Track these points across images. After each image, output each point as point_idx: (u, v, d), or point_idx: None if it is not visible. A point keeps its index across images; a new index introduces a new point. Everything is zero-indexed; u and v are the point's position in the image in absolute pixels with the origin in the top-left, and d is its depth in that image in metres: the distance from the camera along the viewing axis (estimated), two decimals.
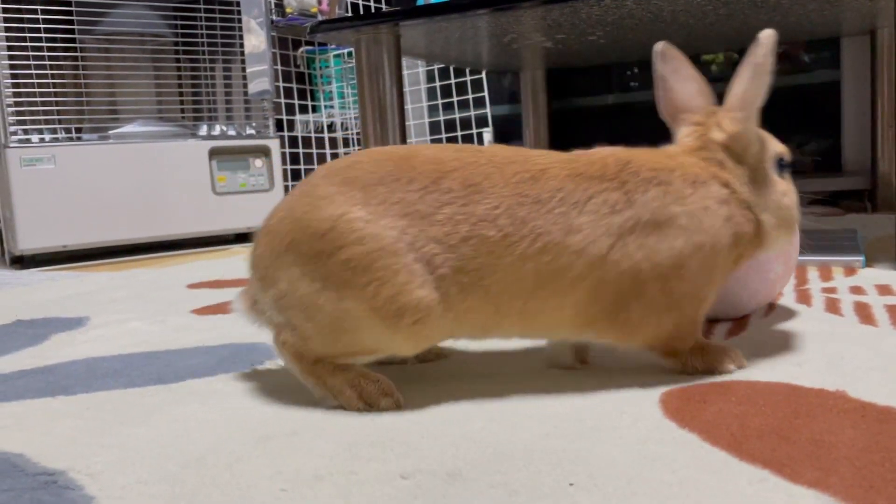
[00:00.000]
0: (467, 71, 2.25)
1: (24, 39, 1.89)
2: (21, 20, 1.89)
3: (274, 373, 0.73)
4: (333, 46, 2.55)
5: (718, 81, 2.16)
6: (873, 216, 1.67)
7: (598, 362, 0.69)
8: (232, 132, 2.21)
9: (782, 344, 0.71)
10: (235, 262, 1.65)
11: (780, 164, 0.70)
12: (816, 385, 0.58)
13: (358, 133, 2.54)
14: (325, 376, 0.62)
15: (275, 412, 0.62)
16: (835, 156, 2.04)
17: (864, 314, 0.80)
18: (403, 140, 1.42)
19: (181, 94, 2.25)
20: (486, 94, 2.28)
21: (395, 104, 1.38)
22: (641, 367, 0.66)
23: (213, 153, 2.12)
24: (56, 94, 1.96)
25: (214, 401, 0.66)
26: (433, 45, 1.58)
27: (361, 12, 2.50)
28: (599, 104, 2.27)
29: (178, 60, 2.24)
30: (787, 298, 0.90)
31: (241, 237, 2.21)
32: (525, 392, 0.61)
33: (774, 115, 2.13)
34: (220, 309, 1.09)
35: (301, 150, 2.48)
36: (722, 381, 0.61)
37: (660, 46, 0.72)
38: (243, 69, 2.25)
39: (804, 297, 0.90)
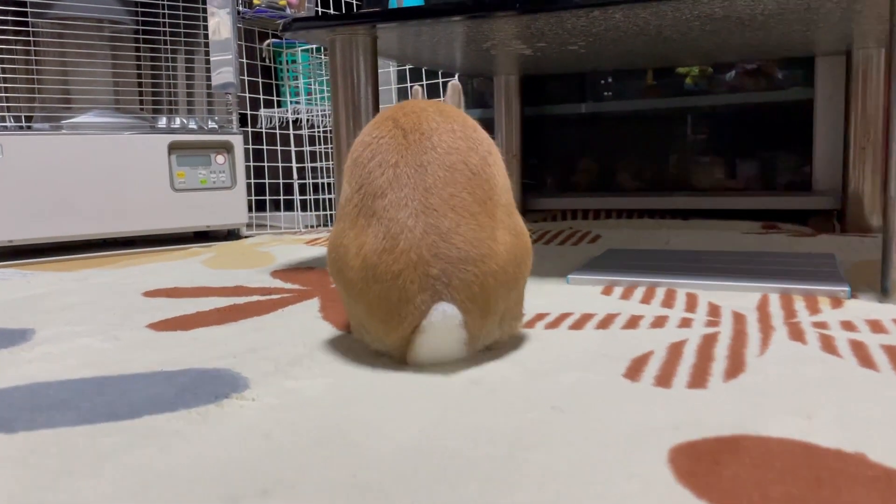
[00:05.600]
0: (440, 73, 2.20)
1: None
2: None
3: (241, 411, 0.67)
4: (301, 41, 2.47)
5: (692, 95, 2.15)
6: (845, 238, 1.66)
7: (585, 404, 0.65)
8: (193, 126, 2.12)
9: (786, 390, 0.68)
10: (194, 266, 1.57)
11: None
12: (832, 444, 0.55)
13: (325, 130, 2.47)
14: None
15: (243, 463, 0.56)
16: (805, 175, 2.04)
17: (863, 356, 0.77)
18: None
19: (140, 84, 2.15)
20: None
21: (369, 108, 1.32)
22: (637, 411, 0.62)
23: (173, 147, 2.03)
24: (5, 81, 1.85)
25: (175, 444, 0.59)
26: (409, 48, 1.52)
27: (332, 8, 2.42)
28: (572, 112, 2.24)
29: (137, 49, 2.14)
30: (780, 333, 0.87)
31: (201, 236, 2.13)
32: (515, 444, 0.56)
33: (746, 131, 2.13)
34: (178, 324, 1.01)
35: (265, 147, 2.39)
36: (731, 436, 0.57)
37: (418, 89, 0.95)
38: (207, 60, 2.16)
39: (797, 333, 0.87)
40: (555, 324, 0.95)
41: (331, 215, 2.47)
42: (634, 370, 0.75)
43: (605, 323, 0.94)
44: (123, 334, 0.97)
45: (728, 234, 1.77)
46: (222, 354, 0.86)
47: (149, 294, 1.25)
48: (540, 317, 0.99)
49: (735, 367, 0.75)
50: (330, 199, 2.47)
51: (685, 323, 0.93)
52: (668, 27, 1.29)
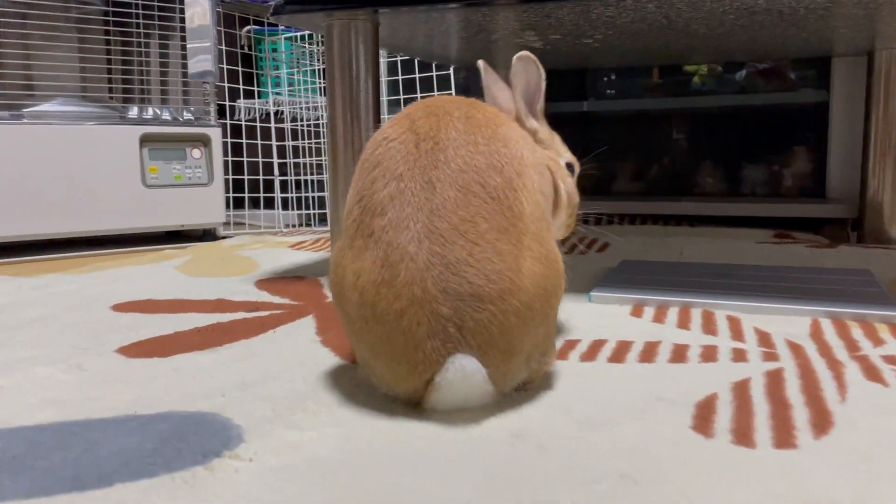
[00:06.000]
0: (433, 65, 2.07)
1: None
2: None
3: (236, 476, 0.54)
4: (284, 28, 2.33)
5: (698, 95, 2.05)
6: (867, 250, 1.57)
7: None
8: (167, 117, 1.96)
9: (888, 453, 0.56)
10: (168, 272, 1.42)
11: (569, 166, 0.87)
12: None
13: (309, 124, 2.32)
14: None
15: None
16: (818, 181, 1.95)
17: None
18: None
19: (110, 70, 1.99)
20: (453, 91, 2.10)
21: (369, 101, 1.19)
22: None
23: (145, 140, 1.88)
24: None
25: None
26: (409, 36, 1.39)
27: None
28: (573, 111, 2.12)
29: (107, 32, 1.97)
30: (852, 371, 0.76)
31: (174, 235, 1.98)
32: None
33: (756, 134, 2.03)
34: (154, 348, 0.88)
35: (244, 141, 2.24)
36: None
37: (481, 63, 0.85)
38: (183, 47, 2.01)
39: (872, 372, 0.76)
40: (590, 355, 0.83)
41: (314, 215, 2.33)
42: (703, 420, 0.63)
43: (649, 354, 0.83)
44: (90, 362, 0.83)
45: (742, 244, 1.67)
46: (208, 392, 0.72)
47: (119, 308, 1.11)
48: (570, 345, 0.87)
49: (821, 418, 0.64)
50: (313, 198, 2.33)
51: (739, 355, 0.82)
52: (701, 20, 1.18)
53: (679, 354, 0.83)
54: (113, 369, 0.80)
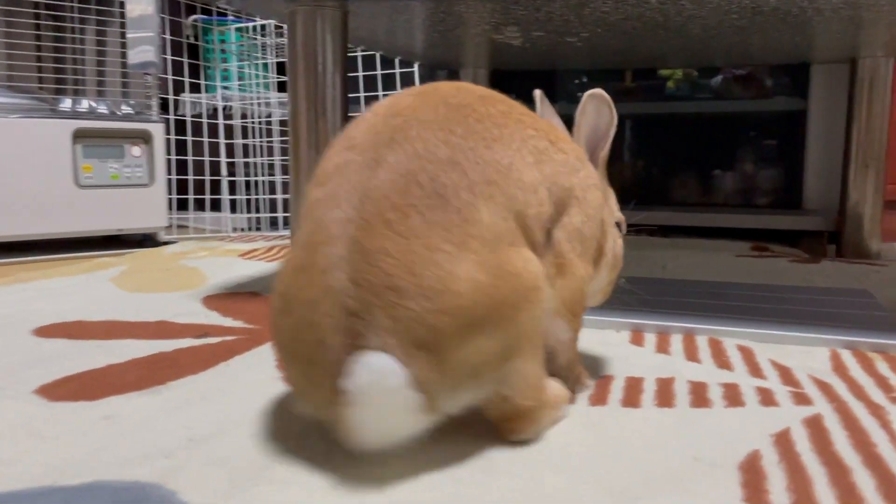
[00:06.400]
0: (397, 62, 1.94)
1: None
2: None
3: None
4: (234, 18, 2.17)
5: (674, 100, 1.97)
6: (851, 265, 1.51)
7: None
8: (103, 110, 1.79)
9: None
10: (102, 285, 1.27)
11: (616, 224, 0.76)
12: None
13: (261, 121, 2.17)
14: None
15: None
16: (795, 191, 1.89)
17: None
18: None
19: (40, 59, 1.80)
20: None
21: (337, 97, 1.06)
22: None
23: (78, 135, 1.70)
24: None
25: None
26: (378, 29, 1.27)
27: None
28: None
29: (37, 17, 1.79)
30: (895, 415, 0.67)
31: (110, 241, 1.81)
32: None
33: (731, 142, 1.97)
34: (82, 387, 0.73)
35: (189, 138, 2.08)
36: None
37: (538, 93, 0.77)
38: (122, 34, 1.84)
39: None
40: (600, 396, 0.72)
41: (265, 218, 2.18)
42: (755, 490, 0.53)
43: (666, 396, 0.72)
44: (3, 406, 0.68)
45: (722, 258, 1.59)
46: (148, 451, 0.59)
47: (42, 332, 0.95)
48: None
49: (888, 483, 0.54)
50: (264, 200, 2.17)
51: (766, 397, 0.72)
52: (699, 19, 1.09)
53: (700, 396, 0.72)
54: (29, 418, 0.66)
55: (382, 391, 0.51)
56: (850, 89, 1.63)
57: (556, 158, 0.64)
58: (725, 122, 1.94)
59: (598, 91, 0.71)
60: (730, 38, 1.27)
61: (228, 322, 1.01)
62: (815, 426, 0.65)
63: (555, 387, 0.64)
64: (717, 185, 1.99)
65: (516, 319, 0.55)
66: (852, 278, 1.35)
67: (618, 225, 0.76)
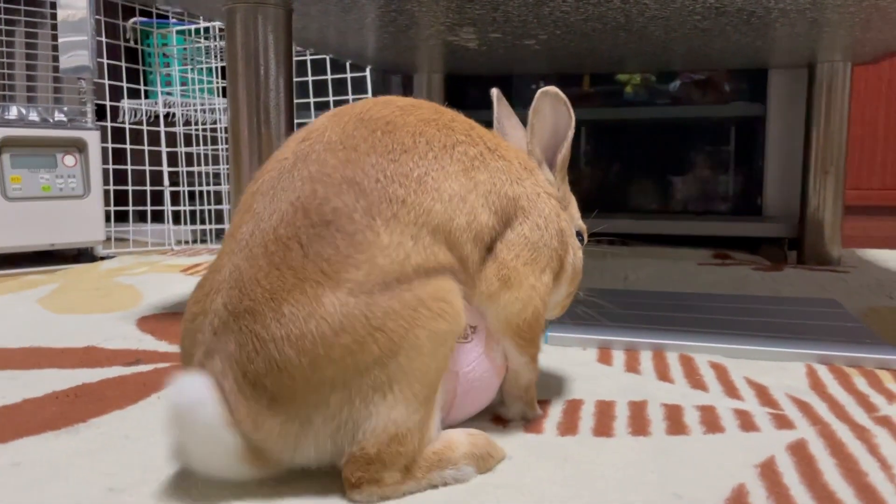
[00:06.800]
0: (348, 66, 1.87)
1: None
2: None
3: None
4: (175, 21, 2.07)
5: (632, 105, 1.94)
6: (814, 273, 1.49)
7: None
8: (34, 117, 1.68)
9: None
10: (28, 306, 1.17)
11: (579, 236, 0.70)
12: None
13: (205, 128, 2.07)
14: None
15: None
16: (754, 198, 1.88)
17: None
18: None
19: None
20: (369, 95, 1.91)
21: (281, 103, 0.98)
22: None
23: (6, 144, 1.60)
24: None
25: None
26: (327, 30, 1.20)
27: None
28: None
29: None
30: (882, 437, 0.63)
31: (43, 257, 1.70)
32: None
33: (690, 148, 1.94)
34: None
35: (128, 146, 1.97)
36: None
37: (495, 92, 0.72)
38: (54, 37, 1.73)
39: None
40: (570, 424, 0.66)
41: (210, 230, 2.08)
42: None
43: (640, 422, 0.67)
44: None
45: (684, 266, 1.56)
46: None
47: None
48: (542, 407, 0.70)
49: None
50: (209, 211, 2.08)
51: (745, 421, 0.67)
52: (662, 20, 1.05)
53: (676, 421, 0.67)
54: None
55: (187, 419, 0.48)
56: (808, 95, 1.61)
57: (495, 165, 0.59)
58: (684, 127, 1.92)
59: (552, 89, 0.65)
60: (691, 42, 1.24)
61: (163, 347, 0.92)
62: (800, 453, 0.60)
63: (456, 441, 0.54)
64: (676, 192, 1.96)
65: (387, 364, 0.49)
66: (817, 286, 1.33)
67: (579, 235, 0.71)
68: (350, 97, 1.90)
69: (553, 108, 0.65)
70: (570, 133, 0.66)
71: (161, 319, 1.07)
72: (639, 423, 0.67)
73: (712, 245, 1.84)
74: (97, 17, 1.77)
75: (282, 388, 0.47)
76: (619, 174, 2.00)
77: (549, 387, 0.77)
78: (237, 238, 0.52)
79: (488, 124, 0.66)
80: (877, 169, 1.95)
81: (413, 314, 0.49)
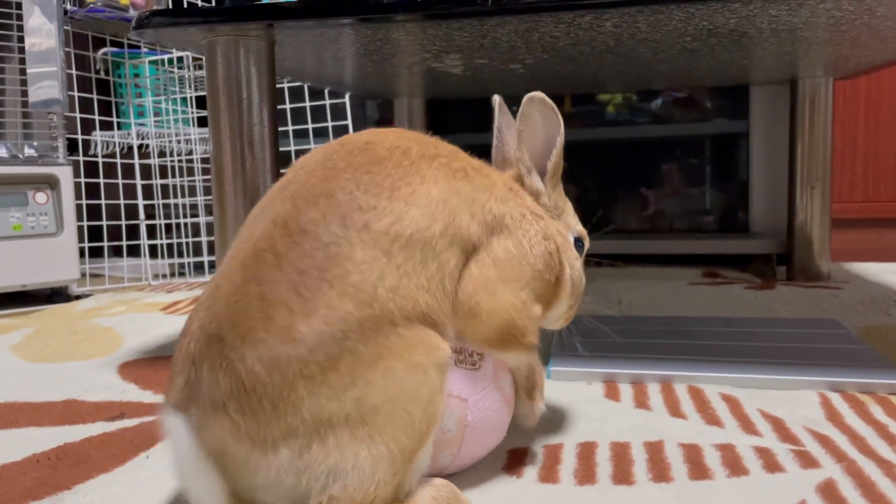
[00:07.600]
0: (326, 93, 1.84)
1: None
2: None
3: None
4: (148, 50, 2.03)
5: (614, 125, 1.92)
6: (806, 290, 1.48)
7: None
8: (3, 154, 1.63)
9: None
10: (0, 352, 1.11)
11: (578, 243, 0.68)
12: None
13: (181, 159, 2.03)
14: None
15: None
16: (741, 215, 1.87)
17: None
18: (275, 180, 0.99)
19: None
20: (349, 122, 1.87)
21: (265, 135, 0.95)
22: None
23: None
24: None
25: None
26: (306, 59, 1.16)
27: (185, 5, 1.99)
28: (478, 143, 1.95)
29: None
30: None
31: (15, 298, 1.64)
32: None
33: (673, 166, 1.93)
34: None
35: (102, 180, 1.92)
36: None
37: (497, 99, 0.71)
38: (22, 70, 1.69)
39: None
40: (587, 472, 0.63)
41: (188, 263, 2.03)
42: None
43: (659, 466, 0.64)
44: None
45: (676, 287, 1.54)
46: None
47: None
48: (553, 452, 0.66)
49: None
50: (187, 244, 2.02)
51: (768, 460, 0.65)
52: (651, 43, 1.03)
53: (697, 464, 0.64)
54: None
55: (181, 451, 0.47)
56: (791, 110, 1.61)
57: (479, 182, 0.58)
58: (667, 145, 1.91)
59: (539, 94, 0.62)
60: (677, 62, 1.23)
61: (148, 397, 0.87)
62: (831, 495, 0.58)
63: (419, 500, 0.50)
64: (663, 211, 1.95)
65: (362, 399, 0.46)
66: (813, 304, 1.31)
67: (579, 241, 0.68)
68: (329, 124, 1.87)
69: (541, 113, 0.63)
70: (561, 140, 0.64)
71: (144, 365, 1.02)
72: (659, 468, 0.64)
73: (700, 263, 1.83)
74: (66, 49, 1.72)
75: (247, 411, 0.45)
76: (605, 195, 1.98)
77: (560, 428, 0.73)
78: (224, 259, 0.52)
79: (470, 148, 0.63)
80: (858, 182, 1.95)
81: (386, 344, 0.48)
